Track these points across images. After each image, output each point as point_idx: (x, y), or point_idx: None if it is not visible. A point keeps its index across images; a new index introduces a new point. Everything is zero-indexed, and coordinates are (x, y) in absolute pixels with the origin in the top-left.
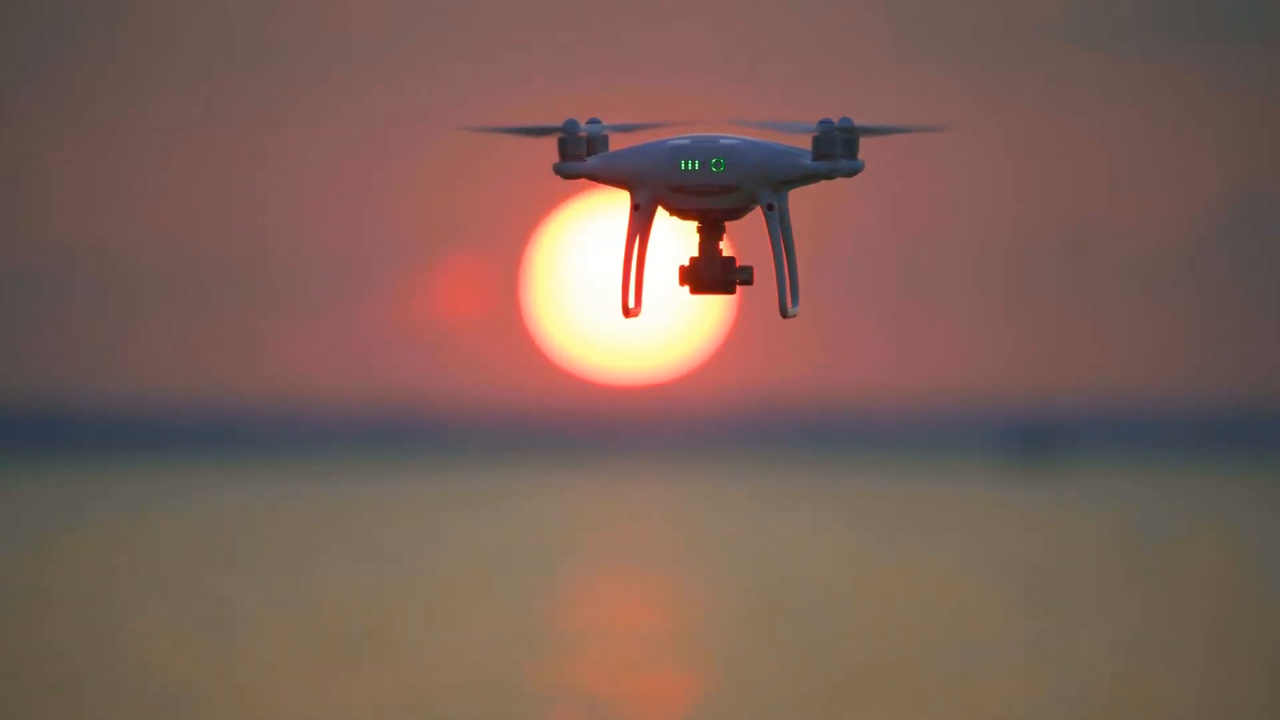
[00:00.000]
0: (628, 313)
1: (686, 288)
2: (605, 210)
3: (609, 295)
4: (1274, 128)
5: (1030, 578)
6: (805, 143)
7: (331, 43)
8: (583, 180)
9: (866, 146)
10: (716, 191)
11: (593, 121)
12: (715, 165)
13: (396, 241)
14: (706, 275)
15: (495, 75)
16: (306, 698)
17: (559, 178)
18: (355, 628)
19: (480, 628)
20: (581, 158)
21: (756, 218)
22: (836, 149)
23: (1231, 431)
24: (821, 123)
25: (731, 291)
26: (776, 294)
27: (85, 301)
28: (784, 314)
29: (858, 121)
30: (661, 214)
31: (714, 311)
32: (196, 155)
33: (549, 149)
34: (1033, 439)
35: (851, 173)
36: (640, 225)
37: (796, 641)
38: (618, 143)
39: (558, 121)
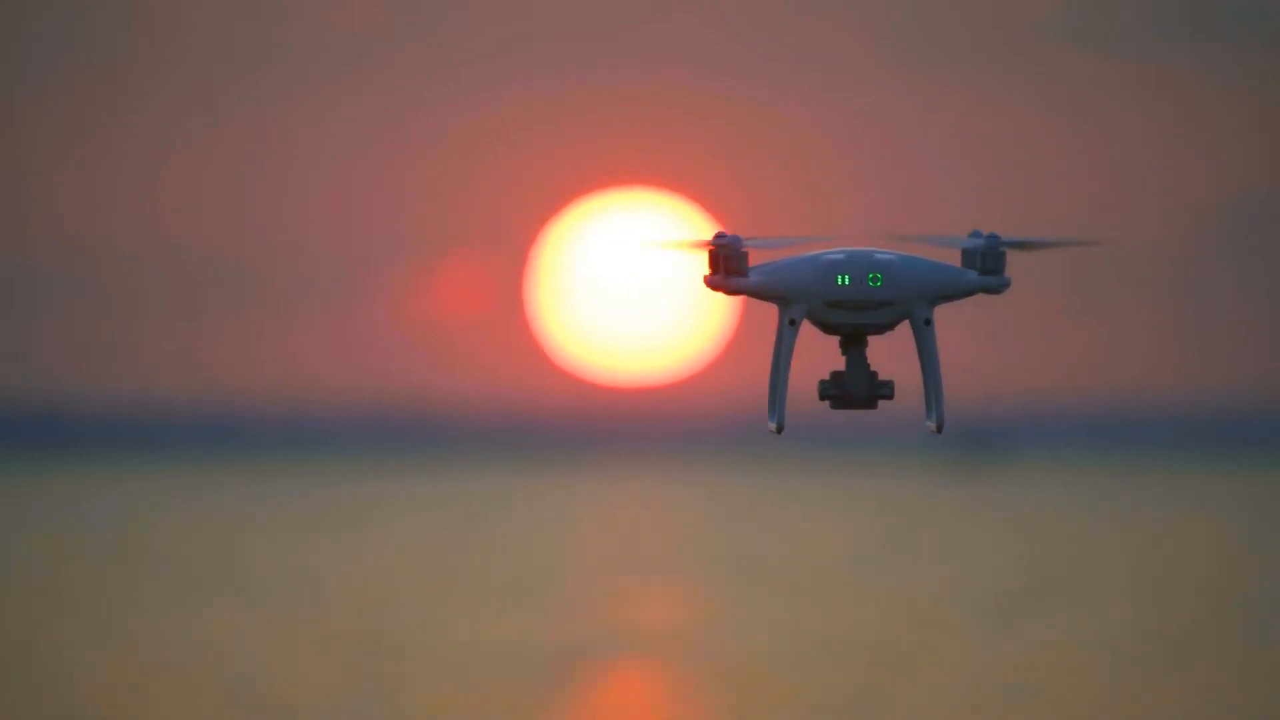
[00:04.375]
0: (780, 430)
1: (827, 402)
2: (604, 213)
3: (610, 296)
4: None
5: (1029, 577)
6: (937, 254)
7: (333, 42)
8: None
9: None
10: (872, 306)
11: (730, 236)
12: (872, 280)
13: (396, 241)
14: (853, 389)
15: (495, 75)
16: (306, 697)
17: (711, 289)
18: (355, 627)
19: (480, 628)
20: (743, 273)
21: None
22: (1001, 264)
23: (1230, 432)
24: (977, 234)
25: (874, 406)
26: (931, 409)
27: (86, 301)
28: (939, 430)
29: (1004, 235)
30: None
31: (716, 315)
32: (197, 155)
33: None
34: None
35: (1005, 288)
36: (791, 340)
37: (797, 642)
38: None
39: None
